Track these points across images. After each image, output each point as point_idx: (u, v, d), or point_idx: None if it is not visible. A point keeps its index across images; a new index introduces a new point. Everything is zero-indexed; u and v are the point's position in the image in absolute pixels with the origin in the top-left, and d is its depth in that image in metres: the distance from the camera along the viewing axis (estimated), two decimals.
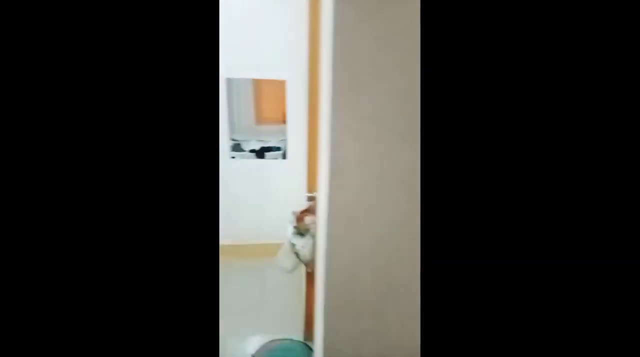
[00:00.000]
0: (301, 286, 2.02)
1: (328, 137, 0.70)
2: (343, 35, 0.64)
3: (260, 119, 2.53)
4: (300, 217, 1.56)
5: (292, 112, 2.53)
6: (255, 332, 1.98)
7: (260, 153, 2.61)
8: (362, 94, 0.68)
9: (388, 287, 0.83)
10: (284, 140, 2.60)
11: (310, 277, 1.63)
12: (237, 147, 2.58)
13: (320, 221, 0.87)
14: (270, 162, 2.64)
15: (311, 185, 1.56)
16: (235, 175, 2.63)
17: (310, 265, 1.56)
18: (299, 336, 1.80)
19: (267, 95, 2.48)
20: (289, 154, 2.64)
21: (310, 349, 1.56)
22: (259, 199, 2.72)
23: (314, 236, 1.52)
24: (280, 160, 2.65)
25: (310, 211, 1.55)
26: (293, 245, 1.56)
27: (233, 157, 2.59)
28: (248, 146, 2.58)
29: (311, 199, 1.53)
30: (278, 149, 2.61)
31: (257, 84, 2.45)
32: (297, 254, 1.57)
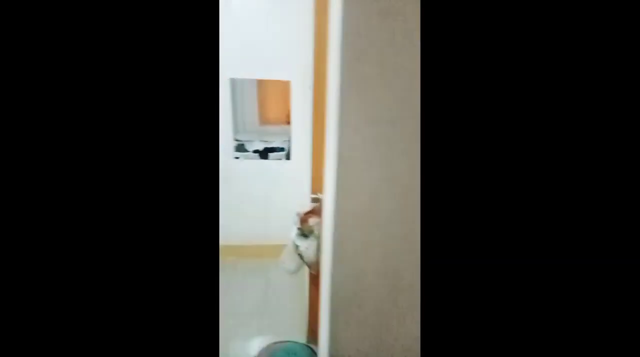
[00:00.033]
0: (304, 287, 2.02)
1: (335, 139, 0.70)
2: (352, 37, 0.64)
3: (264, 120, 2.53)
4: (304, 218, 1.56)
5: (296, 113, 2.52)
6: (258, 333, 1.97)
7: (264, 154, 2.60)
8: (370, 96, 0.67)
9: (394, 291, 0.82)
10: (288, 141, 2.60)
11: (313, 278, 1.62)
12: (240, 148, 2.57)
13: (326, 224, 0.86)
14: (274, 163, 2.63)
15: (315, 186, 1.55)
16: (239, 176, 2.63)
17: (313, 267, 1.55)
18: (301, 338, 1.79)
19: (272, 96, 2.48)
20: (292, 155, 2.63)
21: (313, 352, 1.55)
22: (263, 200, 2.71)
23: (318, 238, 1.51)
24: (284, 161, 2.64)
25: (314, 212, 1.54)
26: (297, 246, 1.56)
27: (237, 158, 2.59)
28: (252, 147, 2.58)
29: (315, 200, 1.52)
30: (282, 149, 2.61)
31: (262, 84, 2.45)
32: (300, 256, 1.56)
